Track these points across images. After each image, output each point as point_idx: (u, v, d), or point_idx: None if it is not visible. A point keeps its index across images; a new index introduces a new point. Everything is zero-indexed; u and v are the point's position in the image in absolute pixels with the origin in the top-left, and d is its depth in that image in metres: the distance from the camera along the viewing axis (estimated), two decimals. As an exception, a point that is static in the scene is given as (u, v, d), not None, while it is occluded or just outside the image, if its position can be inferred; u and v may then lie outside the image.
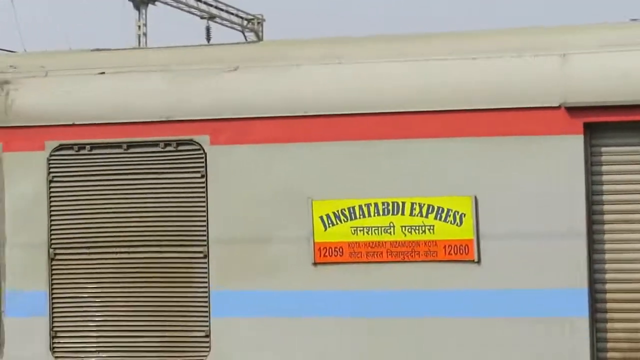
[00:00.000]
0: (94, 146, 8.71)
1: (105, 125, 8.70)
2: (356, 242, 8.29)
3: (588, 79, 8.10)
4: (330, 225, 8.35)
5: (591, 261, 8.02)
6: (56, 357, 8.78)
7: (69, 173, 8.75)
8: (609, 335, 8.11)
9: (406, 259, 8.21)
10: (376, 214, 8.28)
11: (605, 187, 8.04)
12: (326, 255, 8.34)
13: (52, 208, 8.82)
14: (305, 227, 8.36)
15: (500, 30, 9.12)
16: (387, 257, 8.25)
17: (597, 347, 8.08)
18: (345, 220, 8.33)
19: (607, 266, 8.06)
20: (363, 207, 8.30)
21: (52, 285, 8.81)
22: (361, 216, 8.30)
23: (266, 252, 8.45)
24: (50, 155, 8.79)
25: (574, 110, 8.02)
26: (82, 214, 8.75)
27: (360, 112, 8.35)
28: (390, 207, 8.26)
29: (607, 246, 8.06)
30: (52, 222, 8.80)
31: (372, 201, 8.26)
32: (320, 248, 8.34)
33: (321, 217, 8.36)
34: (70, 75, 8.97)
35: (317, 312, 8.38)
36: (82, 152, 8.72)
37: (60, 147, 8.76)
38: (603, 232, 8.04)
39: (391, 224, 8.25)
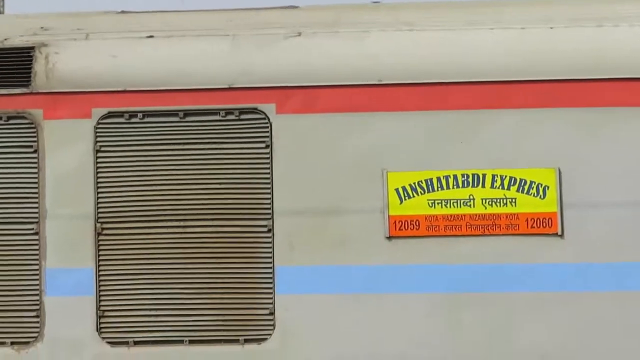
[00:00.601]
0: (146, 114, 8.28)
1: (160, 92, 8.27)
2: (434, 216, 8.00)
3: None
4: (407, 197, 8.01)
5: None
6: (103, 337, 8.29)
7: (119, 142, 8.22)
8: None
9: (486, 233, 7.97)
10: (455, 186, 7.95)
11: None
12: (402, 229, 8.02)
13: (99, 179, 8.26)
14: (380, 199, 8.15)
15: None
16: (467, 230, 7.97)
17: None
18: (422, 192, 8.00)
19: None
20: (441, 179, 7.96)
21: (99, 262, 8.41)
22: (439, 188, 7.98)
23: (336, 226, 8.01)
24: (98, 124, 8.25)
25: None
26: (133, 185, 8.16)
27: (437, 81, 8.08)
28: (470, 179, 7.92)
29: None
30: (99, 194, 8.29)
31: (451, 173, 7.94)
32: (395, 221, 8.02)
33: (397, 190, 8.02)
34: (115, 39, 8.54)
35: (392, 288, 8.02)
36: (133, 120, 8.29)
37: (109, 115, 8.30)
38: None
39: (471, 197, 7.91)
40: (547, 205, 7.87)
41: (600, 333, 7.82)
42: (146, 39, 8.32)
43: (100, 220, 8.21)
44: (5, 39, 8.50)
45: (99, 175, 8.23)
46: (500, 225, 7.91)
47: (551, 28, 8.14)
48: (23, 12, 9.39)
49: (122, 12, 8.99)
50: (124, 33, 8.41)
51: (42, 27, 8.62)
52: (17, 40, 8.47)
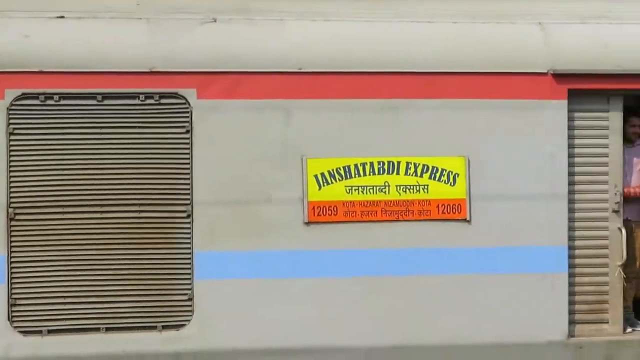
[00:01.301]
0: (63, 96, 8.05)
1: (78, 74, 8.04)
2: (351, 202, 8.25)
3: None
4: (325, 184, 8.21)
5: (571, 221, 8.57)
6: (15, 326, 8.01)
7: (33, 125, 7.95)
8: (577, 289, 8.64)
9: (400, 218, 8.31)
10: (371, 173, 8.26)
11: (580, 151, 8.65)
12: (320, 215, 8.23)
13: (12, 163, 7.96)
14: (299, 186, 8.27)
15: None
16: (382, 216, 8.27)
17: (569, 300, 8.57)
18: (340, 179, 8.24)
19: (583, 224, 8.58)
20: (358, 165, 8.24)
21: (10, 249, 8.04)
22: (356, 175, 8.25)
23: (256, 211, 8.11)
24: (11, 105, 7.95)
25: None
26: (48, 170, 7.94)
27: (355, 70, 8.28)
28: (386, 167, 8.26)
29: (583, 205, 8.63)
30: (12, 179, 7.96)
31: (368, 160, 8.22)
32: (314, 207, 8.19)
33: (315, 176, 8.20)
34: (28, 18, 8.21)
35: (310, 273, 8.22)
36: (49, 102, 8.02)
37: (23, 96, 7.97)
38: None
39: (386, 183, 8.25)
40: (457, 192, 8.44)
41: (506, 310, 8.34)
42: (57, 19, 8.22)
43: (12, 205, 7.96)
44: None
45: (12, 159, 7.97)
46: (413, 211, 8.32)
47: (471, 23, 8.60)
48: None
49: None
50: (37, 12, 8.20)
51: None
52: None
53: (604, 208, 8.63)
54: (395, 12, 8.70)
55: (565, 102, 8.43)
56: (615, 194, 8.66)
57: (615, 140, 8.68)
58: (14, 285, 7.96)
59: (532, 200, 8.42)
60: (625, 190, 8.86)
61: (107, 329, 8.02)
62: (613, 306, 8.73)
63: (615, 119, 8.68)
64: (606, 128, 8.63)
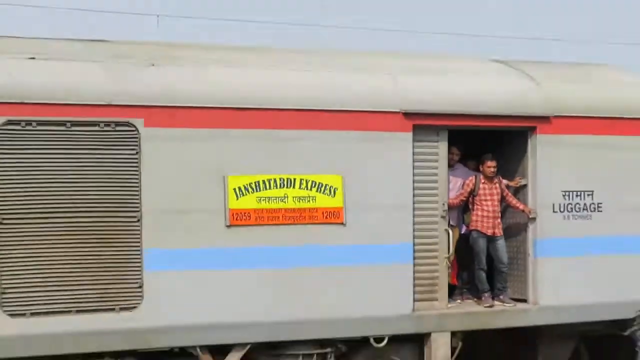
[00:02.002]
0: (39, 122, 9.67)
1: (51, 105, 9.69)
2: (260, 209, 10.55)
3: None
4: (241, 195, 10.48)
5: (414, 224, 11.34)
6: (5, 311, 9.56)
7: (15, 146, 9.61)
8: (417, 275, 11.43)
9: (296, 222, 10.71)
10: (275, 187, 10.62)
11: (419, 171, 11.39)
12: (238, 219, 10.45)
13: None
14: (222, 197, 10.40)
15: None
16: (283, 220, 10.65)
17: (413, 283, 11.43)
18: (253, 191, 10.52)
19: (421, 227, 11.36)
20: (265, 181, 10.59)
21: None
22: (264, 189, 10.58)
23: (189, 216, 10.25)
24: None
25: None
26: (29, 183, 9.62)
27: (261, 107, 10.55)
28: (285, 182, 10.68)
29: (422, 212, 11.41)
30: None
31: (272, 177, 10.60)
32: (233, 213, 10.42)
33: (234, 189, 10.45)
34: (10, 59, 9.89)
35: (231, 265, 10.40)
36: (27, 127, 9.62)
37: (8, 122, 9.58)
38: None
39: (285, 195, 10.66)
40: (336, 202, 10.88)
41: (370, 291, 10.96)
42: (30, 60, 9.92)
43: (1, 213, 9.64)
44: None
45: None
46: (305, 216, 10.77)
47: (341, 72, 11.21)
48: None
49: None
50: (16, 54, 9.99)
51: None
52: None
53: (435, 215, 11.56)
54: (287, 61, 11.27)
55: (411, 134, 11.26)
56: (443, 204, 11.66)
57: (442, 164, 11.69)
58: (2, 278, 9.64)
59: (390, 208, 11.15)
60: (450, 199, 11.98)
61: (77, 311, 9.88)
62: (441, 287, 11.71)
63: (442, 148, 11.66)
64: (436, 154, 11.57)
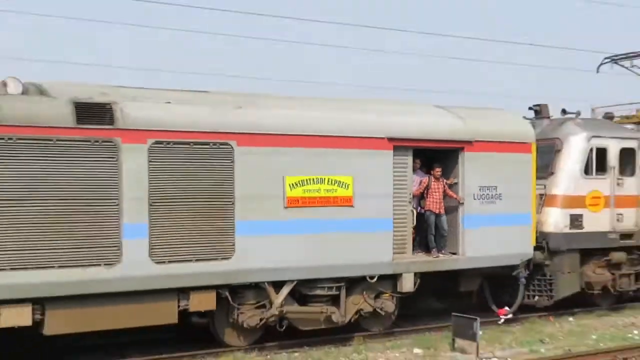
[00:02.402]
0: (168, 142, 15.42)
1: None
2: (306, 197, 17.08)
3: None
4: (294, 187, 16.96)
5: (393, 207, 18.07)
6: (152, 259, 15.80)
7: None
8: (394, 239, 18.09)
9: (327, 204, 17.29)
10: (314, 183, 17.17)
11: (398, 174, 17.65)
12: (291, 203, 16.90)
13: None
14: (282, 189, 16.75)
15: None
16: (319, 203, 17.21)
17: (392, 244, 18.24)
18: (301, 185, 17.06)
19: (398, 207, 18.11)
20: (309, 179, 17.10)
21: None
22: (308, 184, 17.11)
23: (262, 201, 16.49)
24: None
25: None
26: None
27: (305, 133, 16.84)
28: (319, 180, 17.26)
29: (397, 199, 18.09)
30: None
31: (312, 177, 17.15)
32: (289, 199, 16.86)
33: (290, 184, 16.92)
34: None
35: (286, 231, 16.76)
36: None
37: None
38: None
39: (319, 188, 17.28)
40: (349, 193, 17.51)
41: (369, 249, 17.67)
42: (167, 104, 15.70)
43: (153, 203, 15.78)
44: None
45: None
46: (330, 201, 17.42)
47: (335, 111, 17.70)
48: None
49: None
50: (157, 100, 16.07)
51: None
52: None
53: (405, 201, 18.39)
54: (318, 105, 17.91)
55: (392, 151, 18.06)
56: (410, 194, 18.51)
57: (409, 169, 18.68)
58: (152, 237, 15.73)
59: (380, 197, 17.89)
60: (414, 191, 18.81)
61: (197, 260, 15.95)
62: (408, 245, 18.68)
63: (410, 159, 18.60)
64: (406, 163, 18.40)
